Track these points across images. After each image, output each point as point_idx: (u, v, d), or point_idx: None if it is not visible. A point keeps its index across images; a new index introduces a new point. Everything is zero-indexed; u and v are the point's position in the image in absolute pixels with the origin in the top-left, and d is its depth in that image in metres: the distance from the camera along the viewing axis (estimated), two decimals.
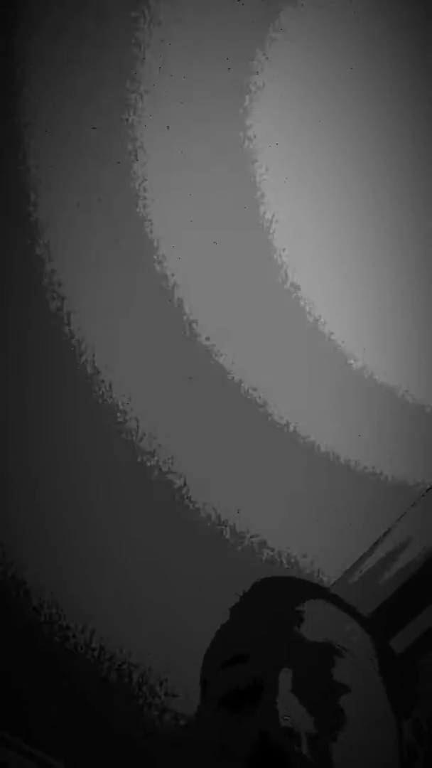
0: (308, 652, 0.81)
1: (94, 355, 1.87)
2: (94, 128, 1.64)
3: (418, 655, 1.69)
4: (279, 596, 0.89)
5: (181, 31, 1.55)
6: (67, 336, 1.85)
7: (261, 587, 0.92)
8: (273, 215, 1.68)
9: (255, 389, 1.84)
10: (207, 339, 1.81)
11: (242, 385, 1.85)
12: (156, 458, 1.95)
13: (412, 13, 1.46)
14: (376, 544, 1.92)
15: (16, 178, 1.70)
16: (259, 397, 1.85)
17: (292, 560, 1.98)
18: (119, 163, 1.67)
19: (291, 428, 1.87)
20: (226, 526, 1.99)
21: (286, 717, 0.76)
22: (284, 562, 1.98)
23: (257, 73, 1.57)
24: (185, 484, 1.97)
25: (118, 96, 1.61)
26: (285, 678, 0.79)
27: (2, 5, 1.56)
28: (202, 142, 1.64)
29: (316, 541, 1.96)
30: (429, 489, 1.86)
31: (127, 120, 1.63)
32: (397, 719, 0.83)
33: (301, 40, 1.54)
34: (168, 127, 1.63)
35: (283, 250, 1.71)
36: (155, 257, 1.75)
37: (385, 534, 1.91)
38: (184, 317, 1.80)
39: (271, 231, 1.69)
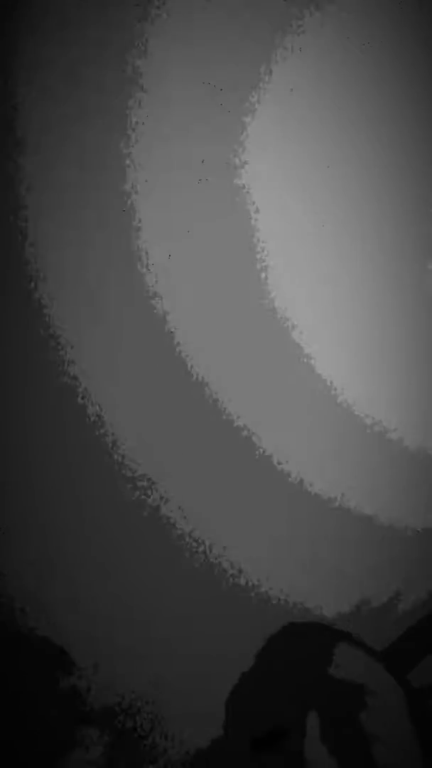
0: (339, 695, 0.79)
1: (92, 394, 1.87)
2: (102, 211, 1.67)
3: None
4: (307, 641, 0.87)
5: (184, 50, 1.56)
6: (69, 377, 1.86)
7: (286, 632, 0.90)
8: (269, 251, 1.68)
9: (255, 432, 1.84)
10: (202, 377, 1.80)
11: (239, 424, 1.84)
12: (151, 495, 1.95)
13: (412, 10, 1.44)
14: (380, 589, 1.88)
15: (12, 184, 1.71)
16: (255, 437, 1.84)
17: (286, 596, 1.96)
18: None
19: (287, 470, 1.85)
20: (228, 572, 1.97)
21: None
22: (280, 598, 1.95)
23: (260, 83, 1.57)
24: (183, 517, 1.96)
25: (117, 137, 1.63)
26: (313, 723, 0.77)
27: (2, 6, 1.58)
28: (199, 154, 1.64)
29: (312, 580, 1.93)
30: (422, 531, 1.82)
31: (127, 163, 1.64)
32: (427, 764, 0.80)
33: (308, 41, 1.53)
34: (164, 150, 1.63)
35: (273, 271, 1.70)
36: (149, 289, 1.75)
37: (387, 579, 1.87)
38: (178, 350, 1.80)
39: (266, 262, 1.69)
